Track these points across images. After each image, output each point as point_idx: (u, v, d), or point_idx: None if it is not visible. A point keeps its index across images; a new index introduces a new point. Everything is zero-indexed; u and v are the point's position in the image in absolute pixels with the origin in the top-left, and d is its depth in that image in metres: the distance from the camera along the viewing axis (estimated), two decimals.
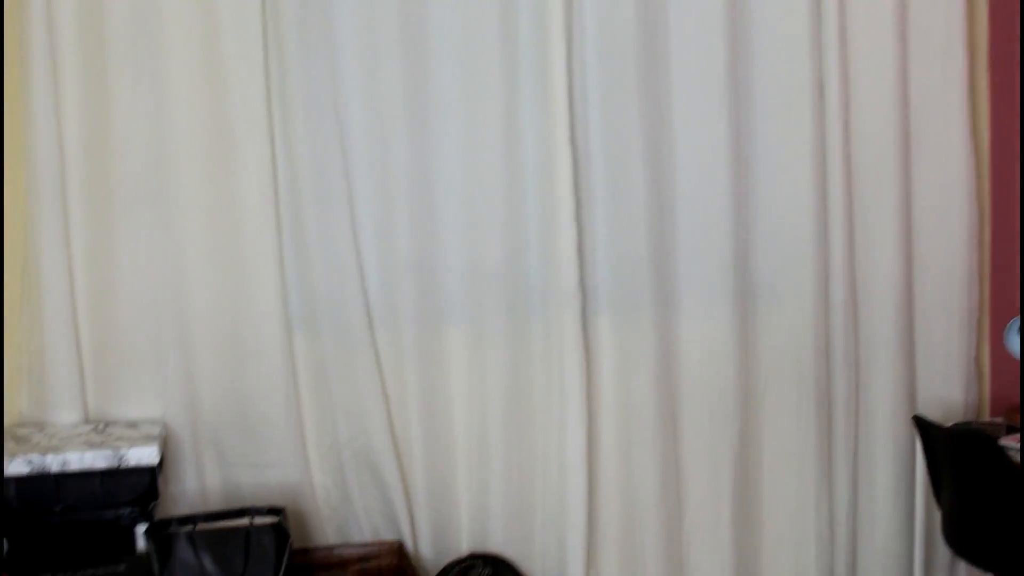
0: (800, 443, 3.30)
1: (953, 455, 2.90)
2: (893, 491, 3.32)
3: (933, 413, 3.20)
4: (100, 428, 2.75)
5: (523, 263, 3.06)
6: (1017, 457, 2.80)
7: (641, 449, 3.17)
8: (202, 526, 2.50)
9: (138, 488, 2.55)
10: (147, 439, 2.64)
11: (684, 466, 3.25)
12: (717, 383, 3.21)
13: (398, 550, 2.99)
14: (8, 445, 2.59)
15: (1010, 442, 2.90)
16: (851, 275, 3.23)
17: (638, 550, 3.23)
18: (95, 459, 2.52)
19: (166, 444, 2.78)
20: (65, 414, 2.80)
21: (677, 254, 3.15)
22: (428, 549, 3.10)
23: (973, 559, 2.92)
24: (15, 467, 2.48)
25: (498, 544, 3.14)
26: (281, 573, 2.43)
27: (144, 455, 2.55)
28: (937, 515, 3.08)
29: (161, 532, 2.44)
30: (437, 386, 3.07)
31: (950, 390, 3.35)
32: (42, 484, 2.50)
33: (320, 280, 2.95)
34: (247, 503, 2.80)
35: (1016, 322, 3.12)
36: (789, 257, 3.20)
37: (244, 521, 2.54)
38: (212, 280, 2.88)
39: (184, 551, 2.42)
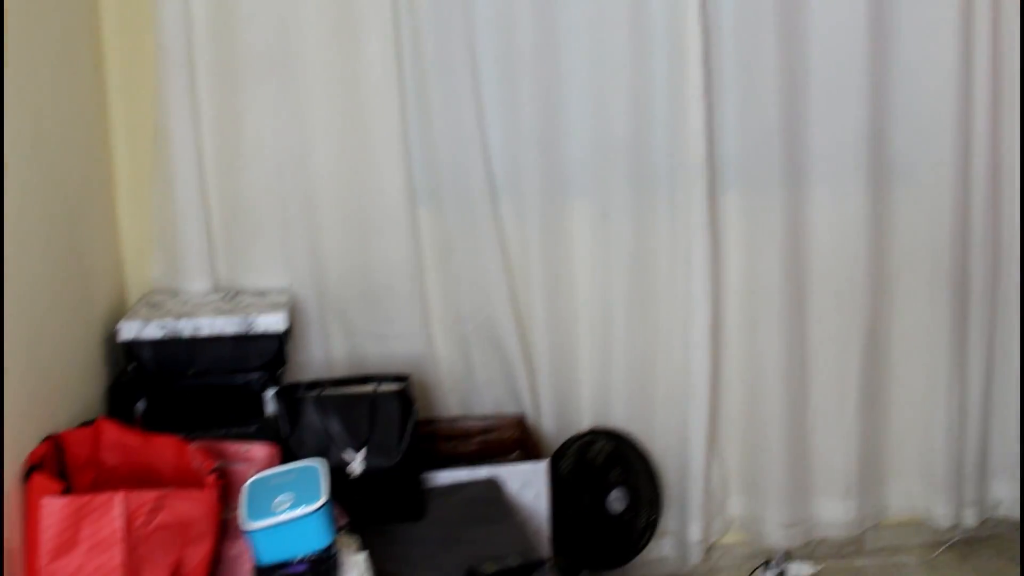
0: (932, 329, 3.21)
1: None
2: None
3: None
4: (230, 296, 2.80)
5: (650, 136, 2.99)
6: None
7: (767, 329, 3.12)
8: (329, 391, 2.54)
9: (267, 354, 2.60)
10: (275, 307, 2.68)
11: (810, 349, 3.20)
12: (847, 264, 3.13)
13: (520, 423, 3.01)
14: (142, 311, 2.66)
15: None
16: (994, 153, 3.09)
17: (760, 431, 3.20)
18: (225, 325, 2.58)
19: (293, 313, 2.83)
20: (196, 282, 2.86)
21: (809, 128, 3.04)
22: (550, 423, 3.11)
23: None
24: (150, 331, 2.55)
25: (620, 420, 3.14)
26: (406, 439, 2.46)
27: (272, 322, 2.60)
28: None
29: (289, 396, 2.49)
30: (561, 261, 3.05)
31: None
32: (176, 348, 2.56)
33: (444, 152, 2.93)
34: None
35: None
36: (928, 132, 3.07)
37: (370, 388, 2.57)
38: (337, 152, 2.89)
39: (311, 415, 2.46)
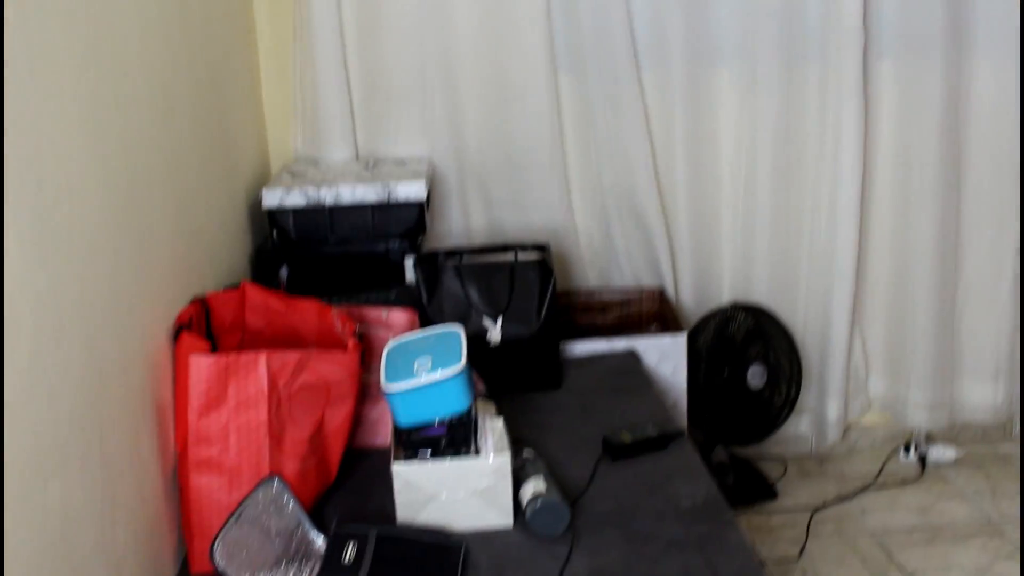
0: None
1: None
2: None
3: None
4: (370, 165, 2.81)
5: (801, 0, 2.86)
6: None
7: (919, 202, 3.00)
8: (468, 259, 2.54)
9: (406, 222, 2.61)
10: (415, 175, 2.68)
11: (964, 224, 3.07)
12: (1010, 135, 2.97)
13: (659, 297, 2.98)
14: (284, 179, 2.69)
15: None
16: None
17: (907, 309, 3.11)
18: (366, 193, 2.59)
19: (433, 182, 2.82)
20: (336, 151, 2.88)
21: None
22: (689, 297, 3.08)
23: None
24: (292, 199, 2.58)
25: (761, 295, 3.09)
26: (545, 308, 2.45)
27: (412, 190, 2.59)
28: None
29: (428, 264, 2.49)
30: (704, 130, 2.97)
31: None
32: (317, 216, 2.59)
33: (587, 17, 2.83)
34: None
35: None
36: None
37: (509, 256, 2.56)
38: (477, 17, 2.83)
39: (451, 282, 2.46)
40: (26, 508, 1.26)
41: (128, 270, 1.69)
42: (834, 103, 2.90)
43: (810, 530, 2.90)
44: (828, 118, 2.92)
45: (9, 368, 1.23)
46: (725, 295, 3.10)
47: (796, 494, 3.10)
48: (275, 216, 2.59)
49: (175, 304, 1.94)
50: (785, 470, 3.22)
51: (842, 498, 3.06)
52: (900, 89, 2.95)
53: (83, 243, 1.50)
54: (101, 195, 1.59)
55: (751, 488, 3.07)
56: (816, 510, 3.00)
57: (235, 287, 2.19)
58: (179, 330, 1.87)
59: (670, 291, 3.03)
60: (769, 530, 2.93)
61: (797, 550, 2.82)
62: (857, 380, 3.22)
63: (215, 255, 2.29)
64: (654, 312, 2.97)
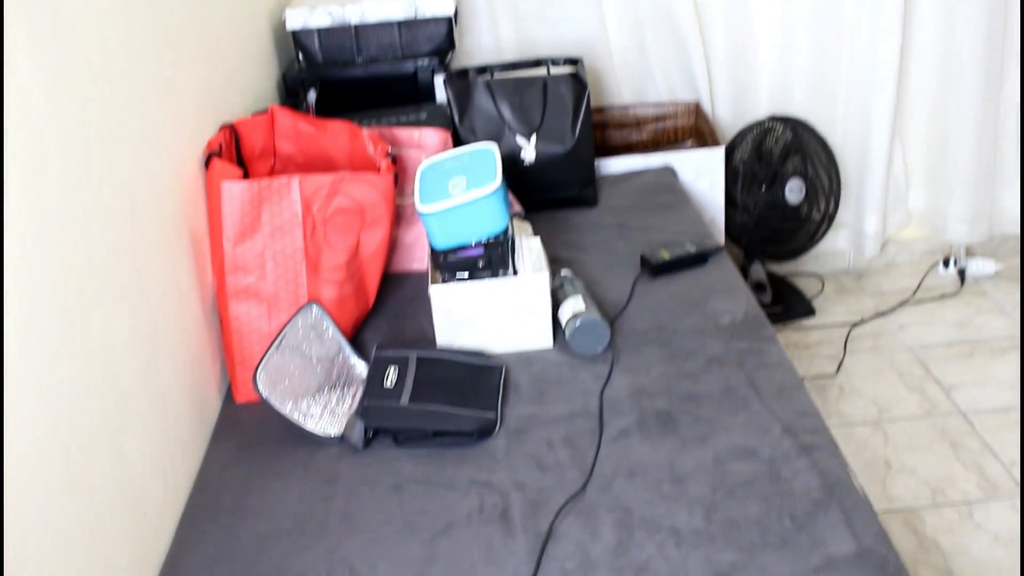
0: None
1: None
2: None
3: None
4: None
5: None
6: None
7: (964, 9, 2.88)
8: (499, 75, 2.47)
9: (435, 39, 2.53)
10: None
11: (1010, 29, 2.94)
12: None
13: (695, 111, 2.91)
14: None
15: None
16: None
17: (950, 119, 3.02)
18: (392, 10, 2.50)
19: None
20: None
21: None
22: (726, 111, 3.00)
23: None
24: (316, 19, 2.50)
25: (799, 107, 3.01)
26: (579, 123, 2.39)
27: (439, 5, 2.50)
28: None
29: (459, 81, 2.43)
30: None
31: None
32: (343, 36, 2.52)
33: None
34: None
35: None
36: None
37: (541, 71, 2.48)
38: None
39: (482, 99, 2.40)
40: (70, 340, 1.25)
41: (152, 96, 1.65)
42: None
43: (847, 346, 2.90)
44: None
45: (41, 193, 1.20)
46: (763, 109, 3.02)
47: (834, 310, 3.09)
48: (300, 38, 2.52)
49: (203, 132, 1.90)
50: (823, 286, 3.20)
51: (880, 313, 3.04)
52: None
53: (105, 66, 1.45)
54: (121, 19, 1.53)
55: (789, 305, 3.05)
56: (854, 326, 2.99)
57: (263, 113, 2.13)
58: (209, 157, 1.83)
59: (706, 105, 2.95)
60: (807, 346, 2.92)
61: (835, 366, 2.82)
62: (896, 193, 3.16)
63: (241, 81, 2.24)
64: (690, 127, 2.90)
